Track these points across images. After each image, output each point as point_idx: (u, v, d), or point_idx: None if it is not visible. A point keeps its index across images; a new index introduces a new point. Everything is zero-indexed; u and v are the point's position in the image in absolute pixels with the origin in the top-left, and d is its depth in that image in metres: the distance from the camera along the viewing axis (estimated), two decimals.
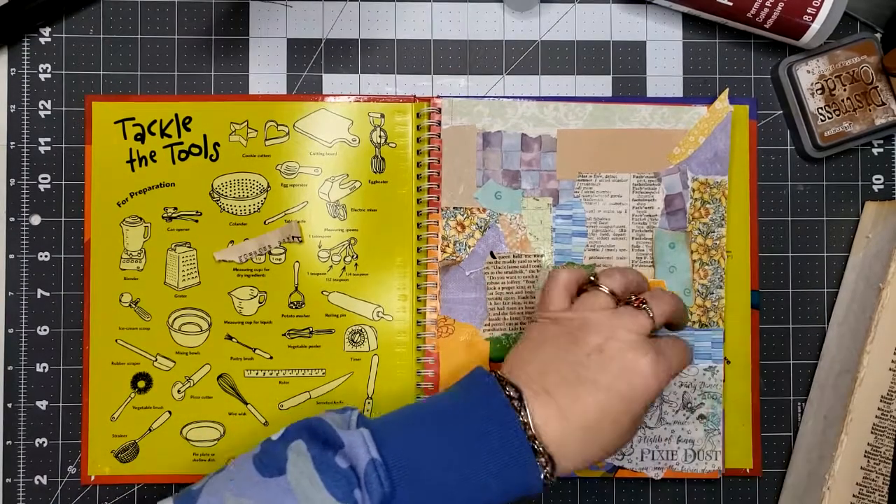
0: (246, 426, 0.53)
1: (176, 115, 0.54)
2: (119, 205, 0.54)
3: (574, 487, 0.54)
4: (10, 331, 0.54)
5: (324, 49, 0.55)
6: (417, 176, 0.54)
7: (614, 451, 0.43)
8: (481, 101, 0.53)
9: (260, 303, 0.54)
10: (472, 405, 0.42)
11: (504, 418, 0.41)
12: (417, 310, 0.54)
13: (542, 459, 0.41)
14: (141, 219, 0.54)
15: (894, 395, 0.50)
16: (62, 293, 0.54)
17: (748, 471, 0.54)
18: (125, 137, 0.54)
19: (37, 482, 0.54)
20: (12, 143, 0.54)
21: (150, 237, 0.54)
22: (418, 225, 0.54)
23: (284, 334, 0.54)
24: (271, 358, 0.54)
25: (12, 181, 0.54)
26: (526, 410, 0.41)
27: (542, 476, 0.41)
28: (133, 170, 0.54)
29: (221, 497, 0.40)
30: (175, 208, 0.54)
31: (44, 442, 0.54)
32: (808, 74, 0.53)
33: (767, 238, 0.55)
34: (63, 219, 0.54)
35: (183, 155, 0.54)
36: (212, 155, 0.54)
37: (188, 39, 0.55)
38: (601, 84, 0.55)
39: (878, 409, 0.50)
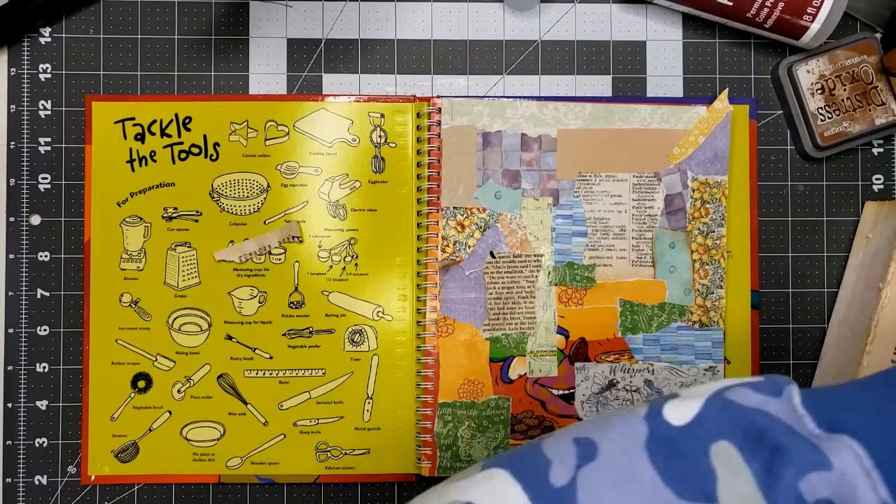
0: (246, 426, 0.53)
1: (176, 115, 0.54)
2: (119, 205, 0.54)
3: None
4: (10, 331, 0.54)
5: (324, 49, 0.55)
6: (417, 176, 0.54)
7: None
8: (481, 101, 0.53)
9: (260, 303, 0.54)
10: None
11: None
12: (417, 310, 0.54)
13: None
14: (141, 219, 0.54)
15: None
16: (62, 293, 0.54)
17: None
18: (125, 137, 0.54)
19: (37, 482, 0.54)
20: (12, 143, 0.54)
21: (150, 237, 0.54)
22: (418, 225, 0.54)
23: (284, 334, 0.54)
24: (271, 358, 0.54)
25: (12, 181, 0.54)
26: None
27: None
28: (133, 170, 0.54)
29: None
30: (175, 208, 0.54)
31: (44, 442, 0.54)
32: (808, 74, 0.53)
33: (767, 238, 0.55)
34: (63, 219, 0.54)
35: (183, 155, 0.54)
36: (212, 155, 0.54)
37: (188, 39, 0.55)
38: (601, 84, 0.55)
39: None
